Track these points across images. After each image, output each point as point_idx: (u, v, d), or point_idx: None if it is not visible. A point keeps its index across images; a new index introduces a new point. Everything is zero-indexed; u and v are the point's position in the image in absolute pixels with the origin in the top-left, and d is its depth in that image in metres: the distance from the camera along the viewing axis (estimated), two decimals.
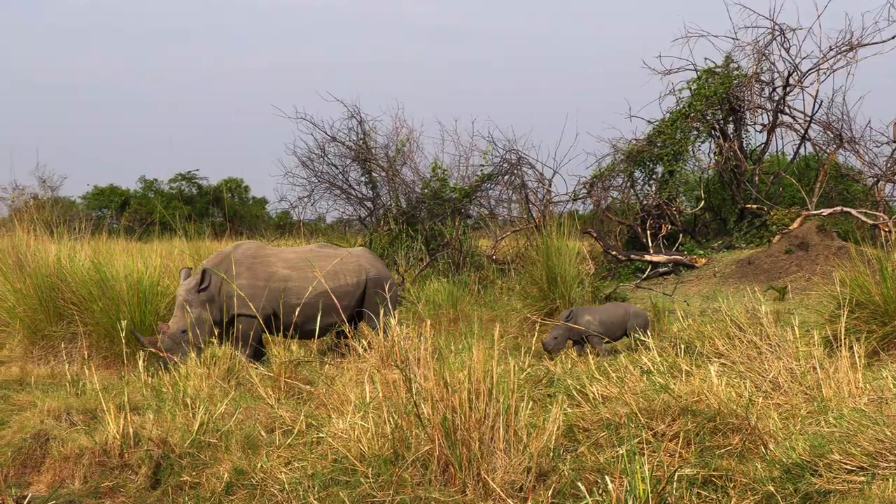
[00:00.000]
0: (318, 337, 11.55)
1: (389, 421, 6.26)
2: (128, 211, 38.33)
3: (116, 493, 6.57)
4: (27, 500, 6.40)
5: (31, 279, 11.87)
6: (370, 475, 5.92)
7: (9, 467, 7.01)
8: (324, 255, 11.44)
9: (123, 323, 9.67)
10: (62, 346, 10.71)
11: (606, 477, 5.30)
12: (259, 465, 6.41)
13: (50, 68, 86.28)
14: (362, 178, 18.16)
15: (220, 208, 41.57)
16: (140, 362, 8.57)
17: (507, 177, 18.08)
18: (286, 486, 6.04)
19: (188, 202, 41.02)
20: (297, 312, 10.94)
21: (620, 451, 5.95)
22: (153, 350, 10.66)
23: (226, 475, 6.40)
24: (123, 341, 8.79)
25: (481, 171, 18.22)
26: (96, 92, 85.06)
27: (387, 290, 11.50)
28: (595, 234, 17.92)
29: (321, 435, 6.71)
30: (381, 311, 9.97)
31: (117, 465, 6.76)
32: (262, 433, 7.11)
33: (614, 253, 17.72)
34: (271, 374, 8.69)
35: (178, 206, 36.38)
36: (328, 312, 11.09)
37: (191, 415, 7.25)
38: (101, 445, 6.82)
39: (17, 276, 12.15)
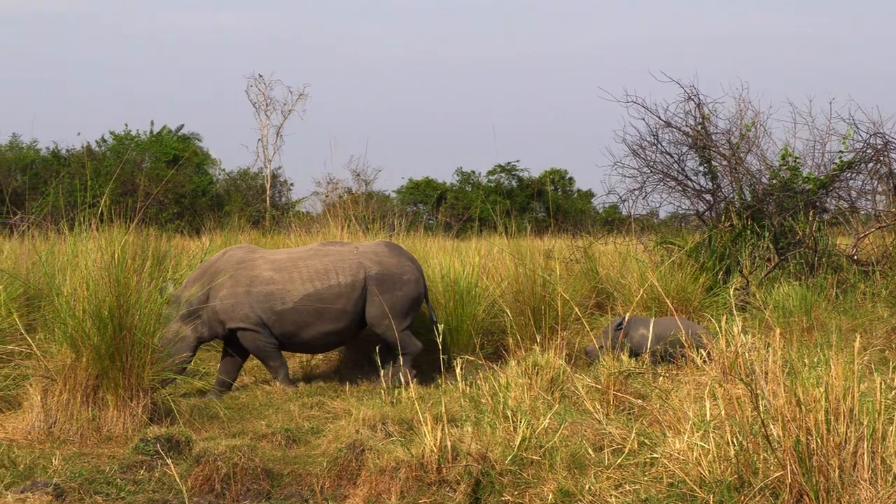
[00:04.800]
0: (321, 349, 11.34)
1: (733, 442, 6.15)
2: (444, 205, 39.54)
3: None
4: None
5: None
6: (712, 502, 5.84)
7: (324, 478, 7.37)
8: (320, 253, 11.11)
9: (439, 327, 9.99)
10: (376, 350, 11.18)
11: None
12: (587, 487, 6.45)
13: (367, 57, 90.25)
14: (700, 168, 17.87)
15: (542, 202, 42.13)
16: (458, 370, 8.81)
17: (871, 164, 17.30)
18: None
19: (508, 196, 41.84)
20: (282, 320, 10.75)
21: None
22: None
23: (550, 496, 6.48)
24: (440, 347, 9.07)
25: (840, 158, 17.54)
26: (411, 79, 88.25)
27: (397, 288, 11.03)
28: None
29: (655, 455, 6.67)
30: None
31: (434, 481, 6.96)
32: (590, 451, 7.14)
33: None
34: (599, 387, 8.73)
35: (498, 201, 37.17)
36: (321, 319, 10.83)
37: (512, 429, 7.37)
38: (417, 459, 7.04)
39: None
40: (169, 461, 7.34)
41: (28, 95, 67.26)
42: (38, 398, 8.68)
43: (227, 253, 11.13)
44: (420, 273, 11.36)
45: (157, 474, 7.50)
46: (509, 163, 44.76)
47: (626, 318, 10.91)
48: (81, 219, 9.48)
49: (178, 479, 7.10)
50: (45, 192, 28.84)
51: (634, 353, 10.77)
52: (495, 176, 45.18)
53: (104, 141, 38.50)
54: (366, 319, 11.10)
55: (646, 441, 7.14)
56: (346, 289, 10.92)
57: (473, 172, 45.34)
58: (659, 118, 17.77)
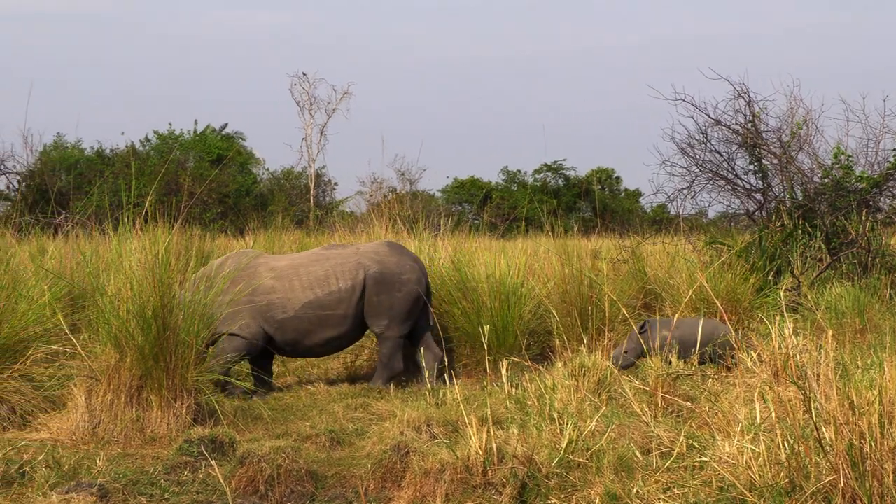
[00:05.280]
0: (325, 354, 11.26)
1: (784, 446, 6.11)
2: (489, 205, 39.51)
3: None
4: None
5: None
6: None
7: (368, 480, 7.39)
8: (321, 258, 11.07)
9: (485, 328, 10.00)
10: (421, 351, 11.18)
11: None
12: (634, 491, 6.43)
13: (410, 57, 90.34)
14: (750, 167, 17.75)
15: (588, 202, 42.05)
16: (503, 371, 8.80)
17: None
18: None
19: (554, 195, 41.76)
20: (284, 329, 10.71)
21: None
22: None
23: (597, 500, 6.46)
24: (485, 348, 9.05)
25: (894, 156, 17.40)
26: (455, 77, 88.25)
27: (396, 288, 11.00)
28: None
29: (704, 459, 6.64)
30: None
31: (480, 484, 6.97)
32: (637, 454, 7.12)
33: None
34: (647, 389, 8.70)
35: (545, 200, 37.11)
36: (323, 325, 10.79)
37: (558, 431, 7.36)
38: (462, 461, 7.05)
39: None
40: (213, 462, 7.39)
41: (73, 95, 67.91)
42: (83, 398, 8.76)
43: (231, 258, 11.07)
44: (422, 273, 11.34)
45: (200, 475, 7.54)
46: (556, 162, 44.70)
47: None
48: (125, 219, 9.54)
49: (222, 481, 7.14)
50: (89, 191, 29.07)
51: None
52: (542, 175, 45.11)
53: (148, 140, 38.77)
54: (364, 319, 11.09)
55: (695, 444, 7.10)
56: (347, 293, 10.91)
57: (519, 171, 45.30)
58: (708, 116, 17.66)
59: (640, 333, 10.65)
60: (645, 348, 10.34)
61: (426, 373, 10.80)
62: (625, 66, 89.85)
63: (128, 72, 79.17)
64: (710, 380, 9.38)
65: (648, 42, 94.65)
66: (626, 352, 10.77)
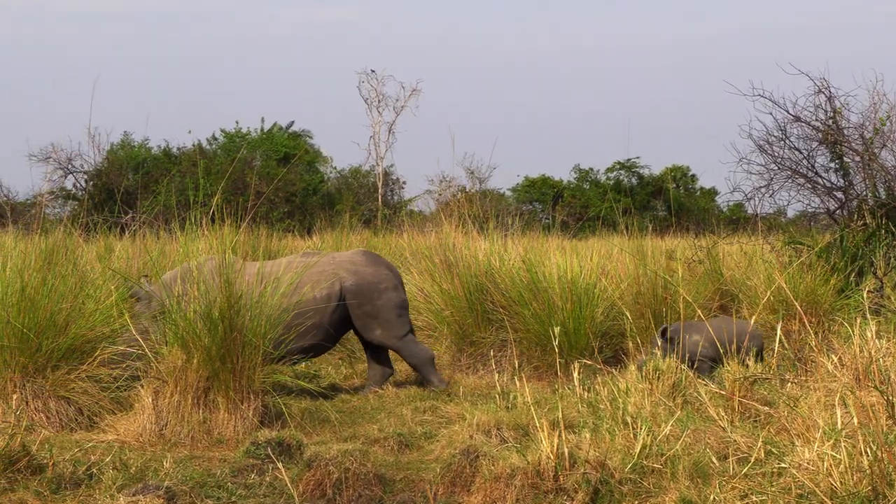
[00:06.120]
0: (295, 363, 10.91)
1: (867, 452, 6.03)
2: (561, 204, 39.42)
3: None
4: None
5: (460, 279, 12.47)
6: None
7: (437, 485, 7.40)
8: (294, 266, 10.84)
9: (556, 330, 9.97)
10: (491, 353, 11.18)
11: None
12: (710, 497, 6.38)
13: (478, 52, 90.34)
14: (831, 164, 17.55)
15: (663, 200, 41.81)
16: (575, 374, 8.77)
17: None
18: None
19: (628, 194, 41.57)
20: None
21: None
22: None
23: None
24: (556, 350, 9.03)
25: None
26: (525, 73, 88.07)
27: (375, 297, 10.93)
28: None
29: (783, 465, 6.57)
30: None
31: (551, 489, 6.95)
32: (713, 460, 7.06)
33: None
34: (723, 393, 8.62)
35: (620, 199, 36.96)
36: (294, 334, 10.49)
37: (632, 436, 7.32)
38: (533, 466, 7.03)
39: (445, 276, 12.81)
40: (280, 465, 7.44)
41: (139, 94, 68.70)
42: (150, 400, 8.85)
43: (209, 261, 10.95)
44: (399, 281, 11.32)
45: (268, 478, 7.60)
46: (629, 160, 44.50)
47: (681, 324, 10.73)
48: (192, 218, 9.63)
49: (289, 484, 7.19)
50: (156, 190, 29.41)
51: (690, 362, 10.65)
52: (614, 173, 44.94)
53: (215, 139, 39.15)
54: (357, 332, 11.13)
55: (773, 450, 7.03)
56: (321, 302, 10.84)
57: (591, 170, 45.14)
58: (787, 112, 17.47)
59: (662, 339, 10.52)
60: (664, 352, 10.24)
61: (371, 384, 11.07)
62: (703, 60, 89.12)
63: (194, 70, 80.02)
64: (790, 384, 9.28)
65: (725, 35, 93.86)
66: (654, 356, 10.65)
